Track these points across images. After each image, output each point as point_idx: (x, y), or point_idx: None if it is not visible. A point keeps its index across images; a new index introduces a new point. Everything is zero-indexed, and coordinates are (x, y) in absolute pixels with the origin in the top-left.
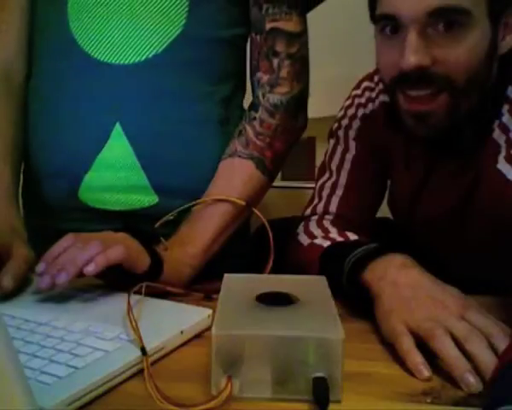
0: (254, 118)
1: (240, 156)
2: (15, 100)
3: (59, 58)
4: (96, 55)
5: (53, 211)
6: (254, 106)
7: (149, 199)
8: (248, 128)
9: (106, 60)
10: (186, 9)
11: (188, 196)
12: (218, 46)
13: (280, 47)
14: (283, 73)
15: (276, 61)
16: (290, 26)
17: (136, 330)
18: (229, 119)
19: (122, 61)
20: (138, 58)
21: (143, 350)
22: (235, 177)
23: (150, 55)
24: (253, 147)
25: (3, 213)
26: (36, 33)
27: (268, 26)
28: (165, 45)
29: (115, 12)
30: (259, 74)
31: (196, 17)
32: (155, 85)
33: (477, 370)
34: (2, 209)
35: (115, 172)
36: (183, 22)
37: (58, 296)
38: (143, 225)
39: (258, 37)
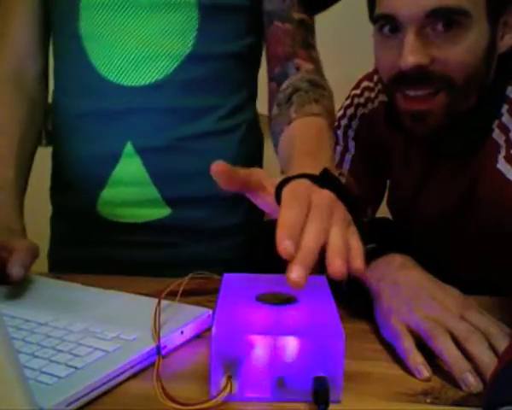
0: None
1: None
2: (26, 98)
3: (74, 78)
4: (109, 77)
5: (76, 219)
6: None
7: (162, 212)
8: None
9: (118, 81)
10: (196, 27)
11: (200, 206)
12: (227, 60)
13: (312, 40)
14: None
15: (314, 54)
16: (312, 21)
17: (156, 331)
18: (240, 125)
19: (133, 83)
20: (148, 80)
21: (159, 350)
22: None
23: (160, 77)
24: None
25: (2, 215)
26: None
27: (296, 16)
28: (174, 66)
29: (122, 35)
30: (298, 61)
31: (205, 33)
32: (166, 105)
33: (477, 370)
34: (2, 210)
35: (128, 188)
36: (193, 42)
37: (58, 296)
38: (157, 236)
39: (287, 25)
